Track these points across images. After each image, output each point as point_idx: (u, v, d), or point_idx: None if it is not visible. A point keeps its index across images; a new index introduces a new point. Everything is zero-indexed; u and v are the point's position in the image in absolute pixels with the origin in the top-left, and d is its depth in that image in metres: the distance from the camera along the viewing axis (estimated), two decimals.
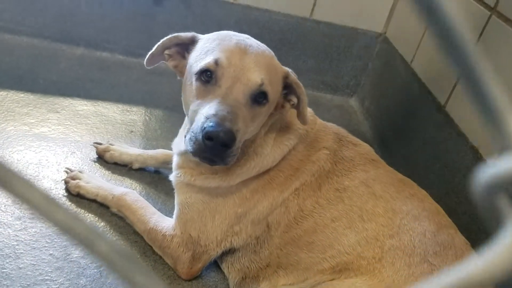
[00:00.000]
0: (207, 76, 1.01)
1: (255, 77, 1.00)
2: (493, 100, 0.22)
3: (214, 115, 0.94)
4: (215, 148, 0.94)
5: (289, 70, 1.12)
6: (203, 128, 0.94)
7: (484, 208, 0.24)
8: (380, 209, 1.09)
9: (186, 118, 1.15)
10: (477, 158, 1.40)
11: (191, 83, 1.04)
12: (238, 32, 1.13)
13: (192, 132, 0.98)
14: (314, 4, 2.10)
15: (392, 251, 1.03)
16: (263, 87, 1.01)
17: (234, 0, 2.03)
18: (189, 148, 0.99)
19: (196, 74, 1.02)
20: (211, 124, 0.93)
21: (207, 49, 1.05)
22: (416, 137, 1.77)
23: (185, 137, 1.05)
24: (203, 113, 0.97)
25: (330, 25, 2.15)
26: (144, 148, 1.61)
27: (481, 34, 1.50)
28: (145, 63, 1.17)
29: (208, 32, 1.14)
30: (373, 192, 1.11)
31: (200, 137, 0.95)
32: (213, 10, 2.04)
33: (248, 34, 1.14)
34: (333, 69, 2.25)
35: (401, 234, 1.05)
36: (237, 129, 0.95)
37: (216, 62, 1.00)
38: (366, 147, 1.25)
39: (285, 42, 2.17)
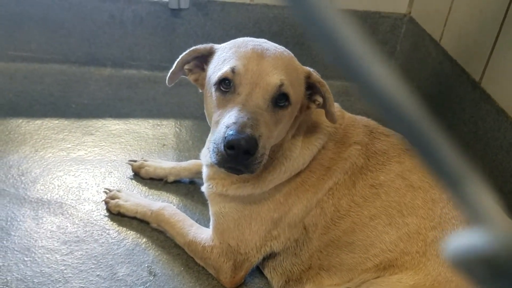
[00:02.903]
0: (225, 85, 1.00)
1: (274, 79, 0.98)
2: (452, 171, 0.21)
3: (234, 123, 0.93)
4: (238, 157, 0.93)
5: (311, 69, 1.09)
6: (224, 137, 0.93)
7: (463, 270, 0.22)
8: (419, 200, 1.05)
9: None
10: None
11: (211, 94, 1.04)
12: (258, 31, 1.11)
13: (214, 143, 0.97)
14: None
15: (435, 243, 0.99)
16: (283, 88, 0.98)
17: (251, 0, 2.02)
18: (213, 159, 0.98)
19: (215, 84, 1.02)
20: (231, 132, 0.92)
21: (224, 58, 1.04)
22: (454, 117, 1.69)
23: (208, 148, 1.04)
24: (224, 122, 0.96)
25: (352, 12, 2.10)
26: (178, 160, 1.63)
27: (505, 15, 1.42)
28: (166, 82, 1.17)
29: (227, 37, 1.12)
30: (410, 184, 1.07)
31: (222, 147, 0.94)
32: (231, 13, 2.03)
33: (268, 32, 1.12)
34: None
35: (443, 224, 1.01)
36: (259, 135, 0.94)
37: (233, 70, 0.98)
38: (399, 137, 1.20)
39: (308, 36, 2.13)
